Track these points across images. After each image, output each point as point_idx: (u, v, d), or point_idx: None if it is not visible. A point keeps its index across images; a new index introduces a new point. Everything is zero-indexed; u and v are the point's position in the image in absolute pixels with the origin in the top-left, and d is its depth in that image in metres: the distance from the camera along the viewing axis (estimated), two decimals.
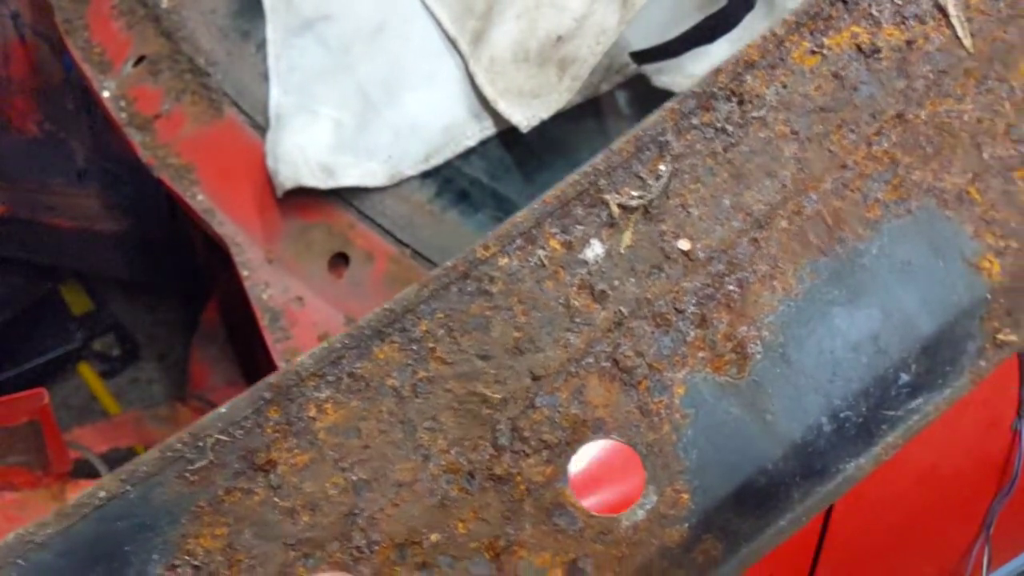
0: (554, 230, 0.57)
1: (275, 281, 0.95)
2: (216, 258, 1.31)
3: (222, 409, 0.53)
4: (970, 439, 1.16)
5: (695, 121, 0.60)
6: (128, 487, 0.51)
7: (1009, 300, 0.63)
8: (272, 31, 1.06)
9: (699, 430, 0.57)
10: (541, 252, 0.57)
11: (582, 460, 0.80)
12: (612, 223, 0.58)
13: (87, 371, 1.72)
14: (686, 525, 0.56)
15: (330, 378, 0.55)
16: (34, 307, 1.70)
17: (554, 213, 0.58)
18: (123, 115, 1.09)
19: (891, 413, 0.60)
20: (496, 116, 0.95)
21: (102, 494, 0.51)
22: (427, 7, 1.02)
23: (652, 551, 0.56)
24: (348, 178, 0.95)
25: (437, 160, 0.96)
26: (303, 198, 0.97)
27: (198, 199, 1.01)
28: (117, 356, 1.75)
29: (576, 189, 0.58)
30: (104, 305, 1.78)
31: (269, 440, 0.53)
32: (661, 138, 0.59)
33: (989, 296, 0.62)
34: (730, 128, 0.60)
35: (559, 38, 0.93)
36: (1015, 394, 1.14)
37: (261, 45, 1.07)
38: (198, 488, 0.52)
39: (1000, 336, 0.62)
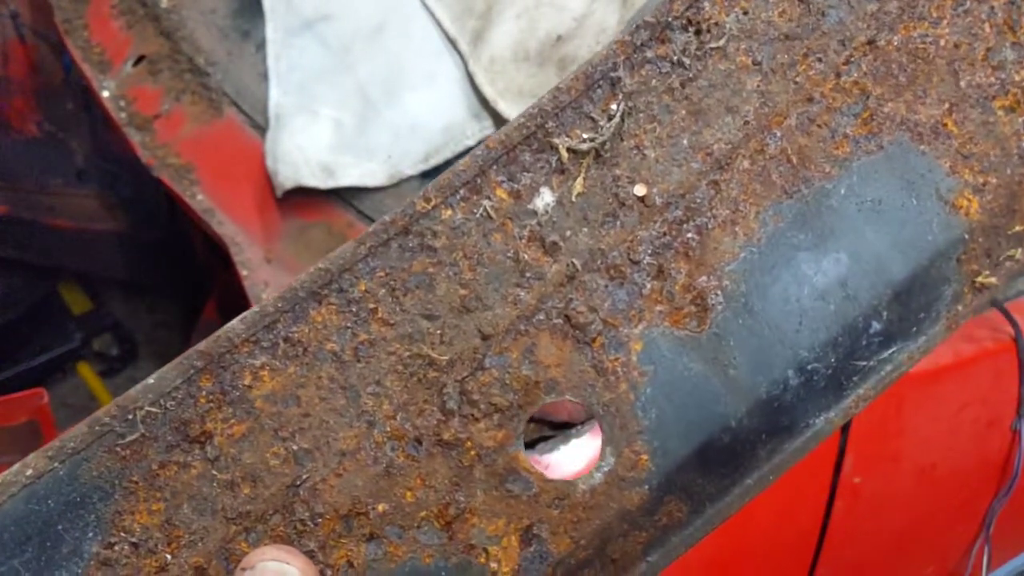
0: (500, 178, 0.53)
1: (274, 280, 0.95)
2: (216, 258, 1.31)
3: (150, 380, 0.50)
4: (970, 439, 1.16)
5: (649, 54, 0.55)
6: (56, 464, 0.49)
7: (988, 240, 0.58)
8: (272, 31, 1.06)
9: (658, 388, 0.54)
10: (487, 203, 0.53)
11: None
12: (562, 169, 0.54)
13: (86, 371, 1.72)
14: (646, 487, 0.54)
15: (265, 344, 0.51)
16: (34, 307, 1.70)
17: (499, 160, 0.53)
18: (123, 115, 1.09)
19: (862, 363, 0.57)
20: (496, 116, 0.95)
21: (29, 472, 0.49)
22: (427, 7, 1.02)
23: (611, 514, 0.54)
24: (348, 178, 0.95)
25: (437, 160, 0.96)
26: (302, 198, 0.97)
27: (198, 199, 1.01)
28: (116, 356, 1.75)
29: (522, 133, 0.53)
30: (103, 305, 1.78)
31: (203, 411, 0.51)
32: (612, 74, 0.54)
33: (967, 236, 0.58)
34: (687, 61, 0.55)
35: (559, 38, 0.93)
36: (1015, 394, 1.14)
37: (261, 45, 1.07)
38: (130, 463, 0.50)
39: (979, 279, 0.58)
